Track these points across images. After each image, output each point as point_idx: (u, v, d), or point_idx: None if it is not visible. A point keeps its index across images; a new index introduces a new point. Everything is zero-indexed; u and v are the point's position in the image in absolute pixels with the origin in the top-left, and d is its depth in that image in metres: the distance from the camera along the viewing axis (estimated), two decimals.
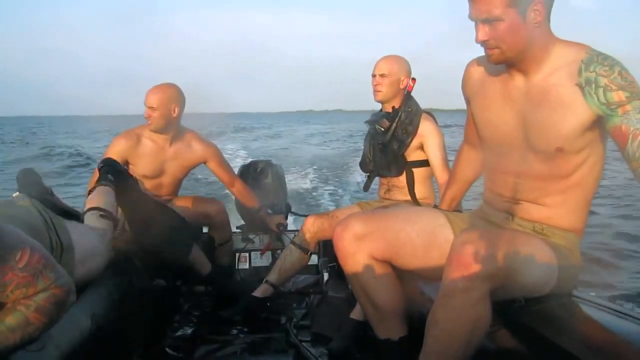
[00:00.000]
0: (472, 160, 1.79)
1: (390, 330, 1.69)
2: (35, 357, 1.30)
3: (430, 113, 2.58)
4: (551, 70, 1.40)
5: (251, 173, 3.43)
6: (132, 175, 2.43)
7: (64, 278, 1.27)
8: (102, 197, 2.13)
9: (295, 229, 3.23)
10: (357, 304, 2.07)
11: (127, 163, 2.81)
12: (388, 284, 1.66)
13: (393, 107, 2.52)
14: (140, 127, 2.87)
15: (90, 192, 2.20)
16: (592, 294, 1.63)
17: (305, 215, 2.90)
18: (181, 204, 2.96)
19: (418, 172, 2.52)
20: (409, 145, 2.47)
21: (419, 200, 2.52)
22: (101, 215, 2.01)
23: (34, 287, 1.19)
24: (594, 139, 1.40)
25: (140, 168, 2.82)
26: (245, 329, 2.38)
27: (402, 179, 2.53)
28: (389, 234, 1.60)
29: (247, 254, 3.15)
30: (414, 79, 2.55)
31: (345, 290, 2.41)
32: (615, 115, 1.30)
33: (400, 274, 1.70)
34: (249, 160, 3.68)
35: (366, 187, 2.75)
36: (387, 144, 2.51)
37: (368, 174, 2.69)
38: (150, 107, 2.74)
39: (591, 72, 1.33)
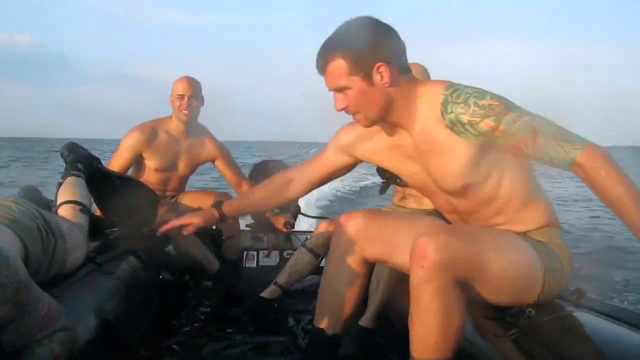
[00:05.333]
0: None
1: (330, 324, 1.70)
2: None
3: None
4: (424, 118, 1.43)
5: (262, 172, 3.42)
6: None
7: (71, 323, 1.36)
8: (75, 189, 2.05)
9: (302, 230, 3.22)
10: (365, 310, 2.05)
11: (140, 156, 2.81)
12: (358, 284, 1.68)
13: None
14: (155, 120, 2.88)
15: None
16: (606, 302, 1.60)
17: (316, 217, 2.88)
18: (188, 198, 2.98)
19: None
20: None
21: (433, 212, 2.49)
22: (80, 210, 1.96)
23: (53, 327, 1.28)
24: (496, 159, 1.43)
25: (152, 161, 2.83)
26: (252, 330, 2.37)
27: None
28: (386, 233, 1.62)
29: (254, 253, 3.14)
30: None
31: None
32: (496, 137, 1.35)
33: (400, 276, 1.71)
34: (261, 159, 3.68)
35: (382, 191, 2.72)
36: None
37: (384, 180, 2.66)
38: (190, 96, 2.74)
39: (450, 113, 1.37)
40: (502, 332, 1.44)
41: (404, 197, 2.57)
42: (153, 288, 2.36)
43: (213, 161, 3.05)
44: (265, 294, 2.46)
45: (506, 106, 1.34)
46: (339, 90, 1.42)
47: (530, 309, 1.45)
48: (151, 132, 2.82)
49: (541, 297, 1.45)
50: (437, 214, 2.45)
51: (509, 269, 1.37)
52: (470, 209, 1.51)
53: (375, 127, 1.55)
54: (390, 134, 1.55)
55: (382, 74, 1.39)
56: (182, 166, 2.93)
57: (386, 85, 1.40)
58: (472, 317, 1.75)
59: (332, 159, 1.72)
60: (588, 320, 1.43)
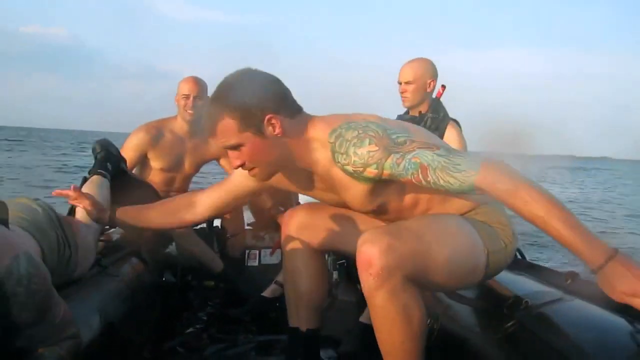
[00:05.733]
0: None
1: (302, 320, 1.72)
2: None
3: (457, 121, 2.54)
4: (321, 159, 1.42)
5: None
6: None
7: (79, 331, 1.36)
8: (98, 191, 2.02)
9: None
10: (366, 308, 2.06)
11: (145, 156, 2.82)
12: (315, 275, 1.71)
13: (420, 112, 2.49)
14: (160, 120, 2.88)
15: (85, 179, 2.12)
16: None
17: None
18: None
19: None
20: None
21: None
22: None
23: (64, 333, 1.28)
24: (399, 183, 1.40)
25: (157, 161, 2.83)
26: (254, 329, 2.39)
27: None
28: (331, 222, 1.65)
29: (256, 252, 3.14)
30: (443, 86, 2.51)
31: (355, 294, 2.40)
32: (387, 179, 1.35)
33: None
34: None
35: None
36: None
37: None
38: (195, 96, 2.78)
39: (337, 163, 1.37)
40: (500, 324, 1.46)
41: None
42: (156, 289, 2.38)
43: (217, 160, 3.06)
44: (266, 293, 2.47)
45: (385, 148, 1.31)
46: (233, 148, 1.40)
47: (526, 300, 1.47)
48: (156, 132, 2.82)
49: (486, 276, 1.47)
50: None
51: (453, 257, 1.37)
52: (395, 218, 1.51)
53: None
54: (294, 171, 1.54)
55: (273, 125, 1.38)
56: (187, 166, 2.93)
57: (279, 135, 1.38)
58: (467, 311, 1.77)
59: (241, 183, 1.69)
60: (585, 307, 1.45)
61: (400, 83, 2.50)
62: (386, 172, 1.32)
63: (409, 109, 2.55)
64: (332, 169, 1.41)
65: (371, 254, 1.27)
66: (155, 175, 2.89)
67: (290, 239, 1.69)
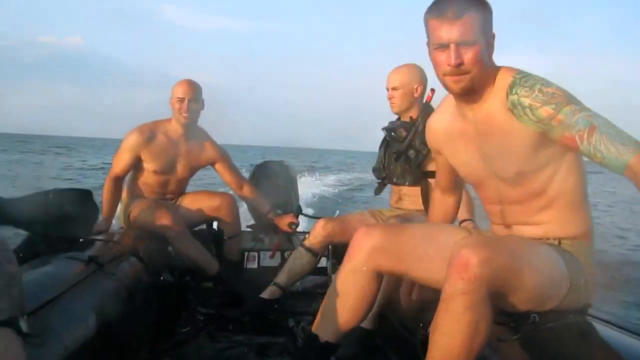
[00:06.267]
0: (444, 205, 1.86)
1: (328, 332, 1.68)
2: (39, 353, 1.29)
3: None
4: (492, 98, 1.45)
5: (264, 173, 3.42)
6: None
7: None
8: None
9: (305, 230, 3.21)
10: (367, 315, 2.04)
11: (139, 158, 2.81)
12: (368, 298, 1.66)
13: (411, 117, 2.49)
14: (154, 122, 2.87)
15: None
16: (610, 313, 1.59)
17: (316, 218, 2.87)
18: (189, 199, 2.97)
19: (433, 182, 2.49)
20: (426, 155, 2.44)
21: None
22: None
23: None
24: (554, 152, 1.43)
25: (150, 163, 2.82)
26: (252, 331, 2.37)
27: (415, 188, 2.51)
28: (406, 248, 1.60)
29: (255, 254, 3.13)
30: (432, 90, 2.51)
31: None
32: (553, 127, 1.35)
33: (409, 283, 1.69)
34: (263, 160, 3.68)
35: (377, 191, 2.73)
36: (402, 153, 2.48)
37: (380, 180, 2.68)
38: (190, 100, 2.78)
39: (514, 94, 1.40)
40: (505, 336, 1.43)
41: (399, 199, 2.57)
42: (154, 289, 2.36)
43: (213, 165, 3.05)
44: (265, 294, 2.46)
45: (568, 97, 1.35)
46: (462, 44, 1.39)
47: (534, 315, 1.43)
48: (150, 133, 2.80)
49: (557, 308, 1.45)
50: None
51: (539, 283, 1.36)
52: (517, 199, 1.51)
53: (449, 117, 1.60)
54: (456, 117, 1.57)
55: (492, 44, 1.43)
56: (180, 169, 2.91)
57: (491, 54, 1.43)
58: None
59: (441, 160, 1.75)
60: (592, 328, 1.42)
61: (387, 89, 2.51)
62: (560, 117, 1.34)
63: (399, 114, 2.55)
64: (497, 111, 1.44)
65: (470, 259, 1.26)
66: (149, 178, 2.87)
67: (358, 256, 1.64)
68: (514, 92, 1.39)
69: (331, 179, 18.93)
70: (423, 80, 2.49)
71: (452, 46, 1.39)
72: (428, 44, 1.47)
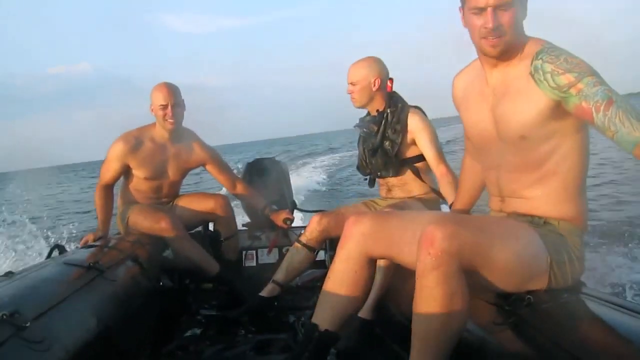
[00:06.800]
0: (476, 170, 1.86)
1: (327, 321, 1.70)
2: (41, 357, 1.31)
3: (418, 107, 2.55)
4: (517, 61, 1.50)
5: (256, 171, 3.43)
6: None
7: None
8: None
9: (301, 225, 3.23)
10: (365, 303, 2.07)
11: (127, 166, 2.79)
12: (363, 284, 1.69)
13: (377, 110, 2.51)
14: (139, 128, 2.84)
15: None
16: (604, 290, 1.62)
17: (311, 212, 2.89)
18: (184, 202, 2.97)
19: (419, 166, 2.52)
20: (401, 143, 2.47)
21: (423, 196, 2.52)
22: None
23: None
24: (561, 128, 1.46)
25: (140, 170, 2.80)
26: (253, 329, 2.38)
27: (401, 178, 2.53)
28: (394, 233, 1.63)
29: (253, 252, 3.14)
30: (391, 79, 2.52)
31: None
32: (571, 95, 1.37)
33: (408, 271, 1.71)
34: (254, 158, 3.68)
35: (371, 184, 2.75)
36: (379, 147, 2.51)
37: (366, 177, 2.71)
38: (173, 105, 2.74)
39: (538, 60, 1.43)
40: (501, 319, 1.45)
41: (389, 190, 2.60)
42: (153, 293, 2.37)
43: (204, 165, 3.03)
44: (264, 292, 2.47)
45: (591, 69, 1.37)
46: (501, 7, 1.43)
47: (529, 297, 1.45)
48: (135, 141, 2.78)
49: (550, 286, 1.47)
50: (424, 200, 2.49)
51: (511, 258, 1.39)
52: (514, 167, 1.55)
53: (472, 77, 1.65)
54: (479, 76, 1.61)
55: (525, 7, 1.47)
56: (171, 173, 2.90)
57: (525, 17, 1.47)
58: (471, 304, 1.76)
59: None
60: (587, 306, 1.44)
61: (348, 84, 2.54)
62: (580, 85, 1.35)
63: (362, 108, 2.57)
64: (518, 74, 1.48)
65: (435, 234, 1.31)
66: (140, 184, 2.86)
67: (349, 244, 1.67)
68: (539, 57, 1.43)
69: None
70: (380, 74, 2.50)
71: (490, 10, 1.43)
72: (462, 9, 1.51)
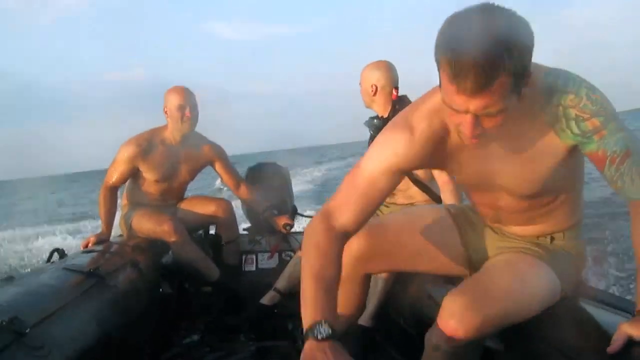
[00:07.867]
0: None
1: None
2: None
3: None
4: (523, 110, 1.15)
5: (258, 175, 3.42)
6: None
7: None
8: None
9: (302, 230, 3.22)
10: (365, 310, 2.06)
11: (137, 169, 2.80)
12: (355, 297, 1.64)
13: (382, 117, 2.50)
14: (151, 131, 2.85)
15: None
16: (608, 291, 1.61)
17: (310, 217, 2.88)
18: (187, 205, 2.97)
19: (420, 173, 2.51)
20: None
21: (424, 203, 2.51)
22: None
23: None
24: (573, 165, 1.30)
25: (150, 173, 2.80)
26: (253, 336, 2.37)
27: (404, 183, 2.52)
28: (392, 247, 1.57)
29: (253, 256, 3.13)
30: (396, 88, 2.47)
31: None
32: (592, 142, 1.17)
33: (409, 278, 1.69)
34: (256, 162, 3.68)
35: None
36: None
37: None
38: (191, 106, 2.76)
39: (557, 106, 1.16)
40: None
41: (392, 195, 2.58)
42: (153, 300, 2.37)
43: (212, 164, 3.04)
44: (264, 300, 2.46)
45: (612, 110, 1.16)
46: (485, 114, 1.07)
47: None
48: (147, 144, 2.78)
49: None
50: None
51: (535, 309, 1.33)
52: (519, 209, 1.40)
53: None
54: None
55: (527, 82, 1.09)
56: (182, 174, 2.91)
57: (525, 87, 1.10)
58: None
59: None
60: (586, 309, 1.43)
61: None
62: (604, 132, 1.14)
63: (369, 109, 2.54)
64: (529, 127, 1.20)
65: (456, 329, 1.22)
66: (150, 187, 2.86)
67: (344, 269, 1.44)
68: (555, 101, 1.16)
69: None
70: (379, 81, 2.42)
71: (470, 116, 1.07)
72: (439, 77, 1.10)
